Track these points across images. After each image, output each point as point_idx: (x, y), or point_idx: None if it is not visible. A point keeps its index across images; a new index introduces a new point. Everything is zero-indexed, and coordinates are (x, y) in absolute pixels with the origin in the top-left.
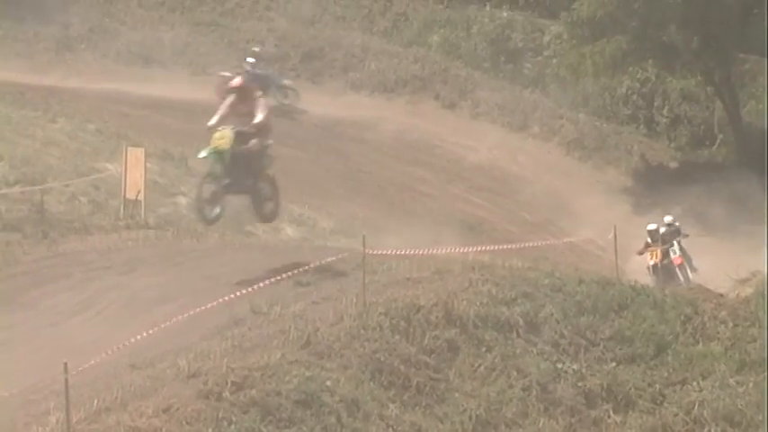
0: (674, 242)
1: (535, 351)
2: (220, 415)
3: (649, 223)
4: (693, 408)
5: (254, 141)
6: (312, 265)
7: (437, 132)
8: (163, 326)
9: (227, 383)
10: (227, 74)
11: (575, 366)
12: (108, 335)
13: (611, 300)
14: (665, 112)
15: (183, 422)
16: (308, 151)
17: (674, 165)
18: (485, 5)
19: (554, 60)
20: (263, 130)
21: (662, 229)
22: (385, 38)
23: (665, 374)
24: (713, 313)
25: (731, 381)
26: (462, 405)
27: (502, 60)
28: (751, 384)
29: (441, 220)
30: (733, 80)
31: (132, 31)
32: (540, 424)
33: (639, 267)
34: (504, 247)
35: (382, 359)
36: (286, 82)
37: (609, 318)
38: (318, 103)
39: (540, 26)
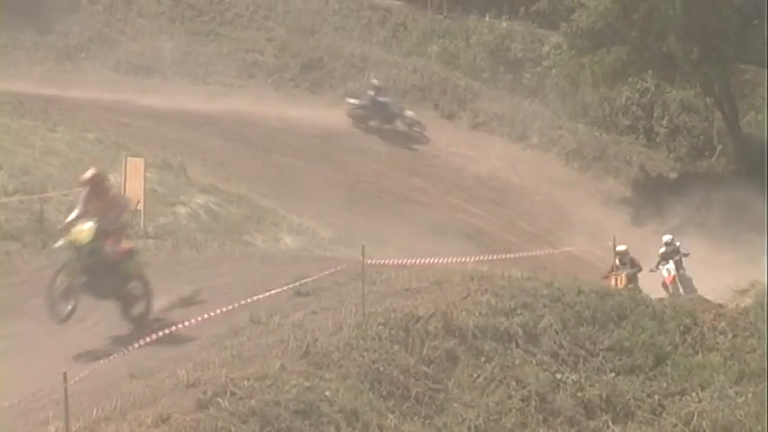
0: (670, 261)
1: (534, 361)
2: (219, 425)
3: (619, 245)
4: (692, 418)
5: (112, 240)
6: (312, 278)
7: (436, 142)
8: (161, 334)
9: (226, 393)
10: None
11: (574, 377)
12: (107, 344)
13: (611, 310)
14: (664, 122)
15: None
16: (308, 161)
17: (673, 175)
18: (484, 16)
19: (553, 71)
20: (124, 228)
21: (661, 249)
22: (384, 48)
23: (665, 385)
24: (712, 324)
25: (730, 391)
26: (461, 415)
27: (501, 70)
28: (750, 395)
29: (440, 230)
30: (732, 91)
31: (132, 41)
32: None
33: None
34: (503, 256)
35: (381, 369)
36: (408, 113)
37: (608, 328)
38: (318, 112)
39: (540, 36)
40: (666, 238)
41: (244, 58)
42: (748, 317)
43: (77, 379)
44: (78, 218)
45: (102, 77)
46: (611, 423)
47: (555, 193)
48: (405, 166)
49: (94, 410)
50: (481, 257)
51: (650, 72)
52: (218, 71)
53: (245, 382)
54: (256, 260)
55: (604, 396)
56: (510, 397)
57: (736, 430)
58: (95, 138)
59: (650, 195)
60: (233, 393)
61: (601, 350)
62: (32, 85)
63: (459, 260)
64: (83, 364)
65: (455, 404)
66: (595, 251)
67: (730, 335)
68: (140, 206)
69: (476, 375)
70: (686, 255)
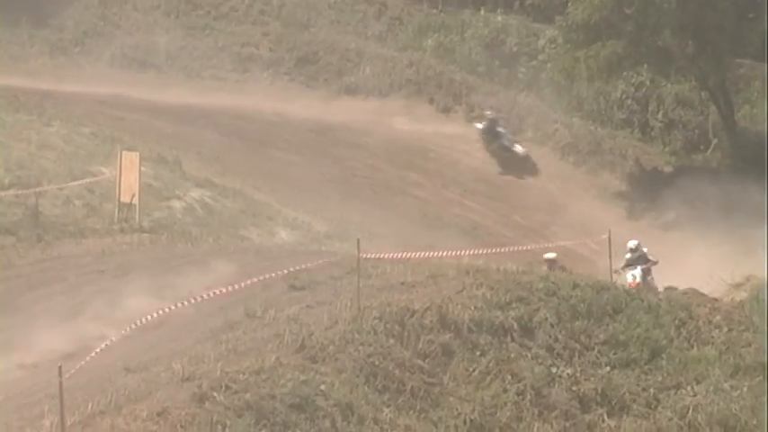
0: (638, 267)
1: (529, 355)
2: (215, 419)
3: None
4: (688, 412)
5: None
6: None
7: (432, 136)
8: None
9: (221, 387)
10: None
11: (569, 371)
12: (102, 338)
13: (606, 304)
14: (659, 116)
15: (178, 426)
16: (303, 155)
17: (668, 169)
18: (479, 10)
19: (548, 65)
20: None
21: (627, 254)
22: (379, 42)
23: (660, 379)
24: (708, 318)
25: (725, 385)
26: (457, 409)
27: (496, 65)
28: (745, 389)
29: (435, 224)
30: (728, 85)
31: (127, 34)
32: (535, 428)
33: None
34: (499, 250)
35: (376, 363)
36: (518, 148)
37: (603, 322)
38: (313, 107)
39: (535, 30)
40: (631, 243)
41: (239, 52)
42: (743, 311)
43: (72, 372)
44: None
45: (98, 71)
46: (606, 417)
47: (550, 187)
48: (400, 160)
49: (90, 404)
50: (477, 251)
51: (645, 66)
52: (214, 65)
53: (241, 375)
54: (251, 254)
55: (600, 390)
56: (505, 391)
57: (731, 424)
58: (90, 132)
59: (645, 189)
60: (228, 387)
61: (596, 344)
62: (27, 80)
63: (454, 254)
64: (78, 358)
65: (450, 398)
66: (591, 245)
67: (725, 329)
68: (135, 200)
69: (471, 369)
70: (655, 263)
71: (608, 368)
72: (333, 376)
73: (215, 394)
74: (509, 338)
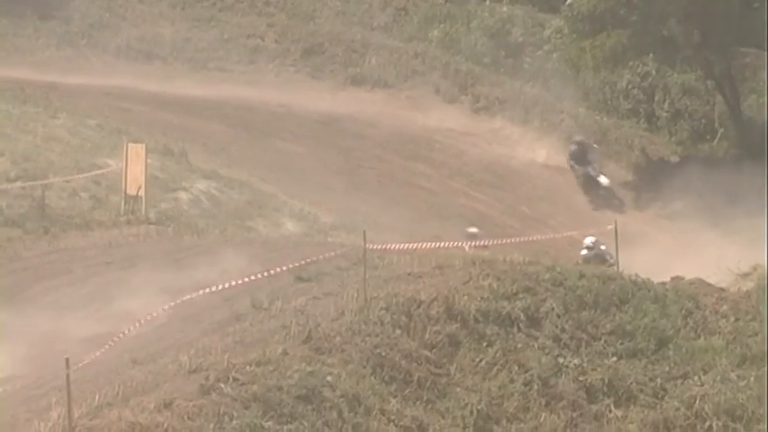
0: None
1: (536, 345)
2: (222, 410)
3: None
4: (695, 402)
5: None
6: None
7: (437, 127)
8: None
9: (228, 379)
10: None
11: (576, 361)
12: (109, 330)
13: (613, 294)
14: (665, 106)
15: (185, 417)
16: (309, 147)
17: (674, 159)
18: (485, 0)
19: (554, 55)
20: None
21: (583, 251)
22: (385, 33)
23: (667, 369)
24: (714, 307)
25: (732, 375)
26: (464, 400)
27: (502, 55)
28: (752, 378)
29: (441, 215)
30: (733, 74)
31: (133, 26)
32: (542, 418)
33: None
34: (505, 241)
35: (383, 354)
36: (603, 180)
37: (610, 312)
38: (319, 98)
39: (541, 20)
40: (587, 240)
41: (245, 44)
42: (750, 300)
43: (80, 365)
44: None
45: (103, 63)
46: (613, 407)
47: (557, 178)
48: (406, 151)
49: (97, 396)
50: (483, 242)
51: (651, 56)
52: (219, 56)
53: (248, 367)
54: (258, 245)
55: (606, 380)
56: (512, 381)
57: (738, 413)
58: (96, 124)
59: (651, 179)
60: (235, 379)
61: (603, 334)
62: (33, 72)
63: (460, 245)
64: (85, 350)
65: (457, 388)
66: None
67: (732, 318)
68: (142, 192)
69: (478, 360)
70: (612, 264)
71: (615, 358)
72: (339, 367)
73: (222, 386)
74: (516, 329)
